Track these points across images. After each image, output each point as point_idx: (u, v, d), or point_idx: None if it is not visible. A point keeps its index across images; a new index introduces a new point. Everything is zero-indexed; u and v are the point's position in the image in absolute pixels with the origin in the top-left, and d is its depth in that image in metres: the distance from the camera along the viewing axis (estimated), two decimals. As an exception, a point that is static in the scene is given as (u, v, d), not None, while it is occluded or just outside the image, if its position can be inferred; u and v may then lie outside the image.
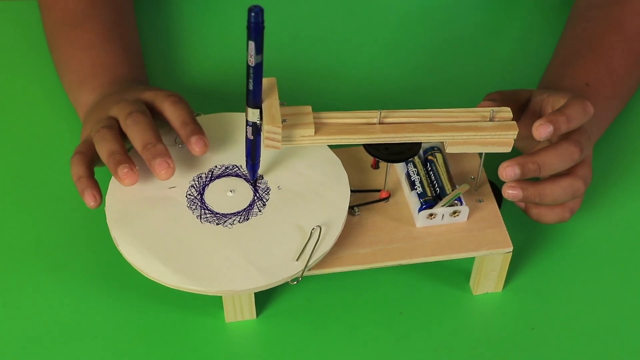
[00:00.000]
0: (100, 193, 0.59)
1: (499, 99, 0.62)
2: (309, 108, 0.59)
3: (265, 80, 0.57)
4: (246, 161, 0.60)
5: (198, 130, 0.60)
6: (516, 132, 0.58)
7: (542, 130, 0.57)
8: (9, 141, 0.72)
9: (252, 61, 0.53)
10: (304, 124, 0.57)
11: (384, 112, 0.58)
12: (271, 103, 0.57)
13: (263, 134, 0.57)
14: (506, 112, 0.59)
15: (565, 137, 0.59)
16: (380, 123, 0.58)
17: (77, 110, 0.70)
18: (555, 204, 0.61)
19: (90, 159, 0.61)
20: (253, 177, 0.60)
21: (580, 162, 0.60)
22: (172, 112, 0.61)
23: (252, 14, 0.51)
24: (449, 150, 0.59)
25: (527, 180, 0.59)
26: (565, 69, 0.69)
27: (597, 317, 0.62)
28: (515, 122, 0.58)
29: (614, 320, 0.62)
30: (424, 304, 0.63)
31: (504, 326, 0.62)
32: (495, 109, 0.58)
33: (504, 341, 0.61)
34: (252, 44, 0.53)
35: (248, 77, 0.55)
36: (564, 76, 0.69)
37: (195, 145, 0.59)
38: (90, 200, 0.59)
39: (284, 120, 0.57)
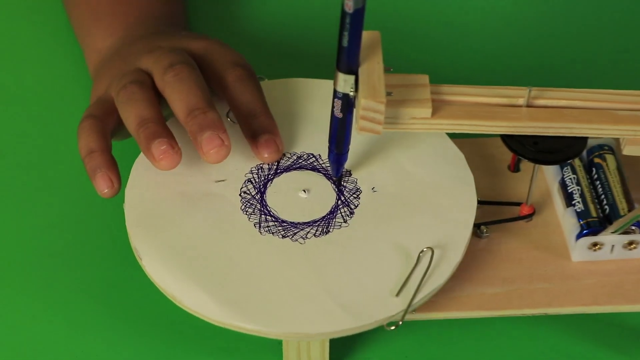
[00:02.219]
0: (118, 176, 0.56)
1: None
2: (425, 78, 0.56)
3: (365, 35, 0.54)
4: (329, 149, 0.57)
5: (270, 125, 0.57)
6: None
7: None
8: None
9: (350, 6, 0.51)
10: (418, 100, 0.54)
11: (534, 91, 0.54)
12: (372, 68, 0.54)
13: (357, 112, 0.53)
14: None
15: None
16: (528, 106, 0.54)
17: (87, 58, 0.68)
18: None
19: (107, 127, 0.58)
20: (337, 172, 0.57)
21: None
22: (235, 91, 0.58)
23: None
24: (627, 151, 0.55)
25: None
26: None
27: None
28: None
29: None
30: None
31: None
32: None
33: None
34: None
35: (342, 29, 0.52)
36: None
37: (264, 149, 0.57)
38: (103, 186, 0.55)
39: (389, 94, 0.54)
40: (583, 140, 0.55)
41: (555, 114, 0.54)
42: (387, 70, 0.55)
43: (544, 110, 0.54)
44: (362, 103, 0.53)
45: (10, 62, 0.79)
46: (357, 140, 0.60)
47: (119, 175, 0.56)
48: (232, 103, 0.61)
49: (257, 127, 0.59)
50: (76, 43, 0.73)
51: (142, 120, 0.56)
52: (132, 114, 0.56)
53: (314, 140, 0.62)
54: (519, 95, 0.55)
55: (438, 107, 0.54)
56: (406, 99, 0.54)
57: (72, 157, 0.70)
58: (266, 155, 0.58)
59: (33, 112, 0.75)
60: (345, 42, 0.52)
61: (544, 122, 0.54)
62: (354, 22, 0.51)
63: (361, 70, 0.54)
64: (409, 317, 0.54)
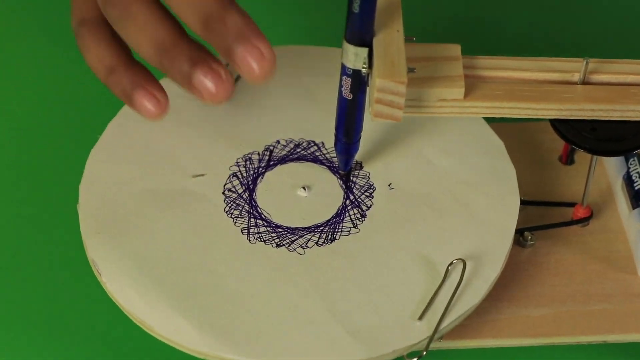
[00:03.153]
0: (163, 90, 0.52)
1: None
2: (457, 48, 0.53)
3: None
4: (336, 137, 0.55)
5: (242, 21, 0.51)
6: None
7: None
8: None
9: None
10: (448, 77, 0.52)
11: (593, 63, 0.52)
12: (390, 38, 0.52)
13: (371, 94, 0.50)
14: None
15: None
16: (585, 83, 0.52)
17: None
18: None
19: (112, 30, 0.54)
20: (346, 165, 0.56)
21: None
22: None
23: None
24: None
25: None
26: None
27: None
28: None
29: None
30: None
31: None
32: None
33: None
34: None
35: None
36: None
37: (244, 60, 0.50)
38: (150, 104, 0.51)
39: (411, 70, 0.51)
40: None
41: (619, 93, 0.52)
42: (408, 40, 0.52)
43: (606, 88, 0.52)
44: (378, 83, 0.50)
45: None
46: (370, 126, 0.57)
47: (163, 89, 0.53)
48: (180, 9, 0.54)
49: (225, 31, 0.52)
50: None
51: (109, 68, 0.53)
52: (92, 60, 0.53)
53: (316, 124, 0.59)
54: (573, 69, 0.52)
55: (472, 86, 0.52)
56: (433, 77, 0.52)
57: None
58: (254, 66, 0.51)
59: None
60: (356, 7, 0.50)
61: (605, 103, 0.52)
62: None
63: (376, 42, 0.52)
64: (434, 345, 0.52)
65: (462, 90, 0.51)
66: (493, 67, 0.53)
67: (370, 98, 0.52)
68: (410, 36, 0.52)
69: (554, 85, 0.53)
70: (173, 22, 0.53)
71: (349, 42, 0.51)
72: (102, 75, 0.54)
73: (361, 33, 0.51)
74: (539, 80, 0.53)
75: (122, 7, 0.54)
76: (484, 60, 0.53)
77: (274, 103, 0.60)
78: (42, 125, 0.73)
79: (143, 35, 0.53)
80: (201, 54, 0.51)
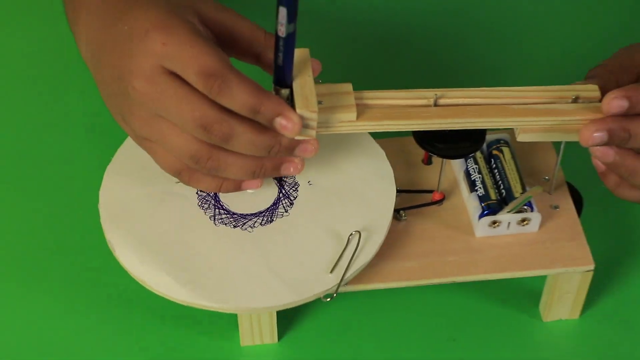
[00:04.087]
0: (295, 113, 0.57)
1: (602, 73, 0.61)
2: (349, 86, 0.60)
3: (296, 52, 0.57)
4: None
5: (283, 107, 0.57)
6: None
7: (614, 105, 0.58)
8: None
9: (282, 31, 0.54)
10: (344, 106, 0.58)
11: (440, 92, 0.59)
12: (304, 81, 0.58)
13: None
14: (592, 91, 0.59)
15: None
16: (436, 105, 0.59)
17: (78, 43, 0.66)
18: None
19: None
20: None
21: None
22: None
23: None
24: (520, 138, 0.60)
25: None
26: None
27: None
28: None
29: None
30: (482, 331, 0.66)
31: (579, 355, 0.65)
32: (580, 87, 0.59)
33: None
34: (283, 11, 0.54)
35: (277, 51, 0.55)
36: None
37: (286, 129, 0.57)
38: (299, 164, 0.59)
39: (320, 102, 0.58)
40: (482, 136, 0.61)
41: (459, 111, 0.59)
42: (316, 81, 0.59)
43: (450, 108, 0.59)
44: (298, 113, 0.57)
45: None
46: None
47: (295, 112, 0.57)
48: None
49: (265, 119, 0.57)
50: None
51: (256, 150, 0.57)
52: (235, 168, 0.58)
53: None
54: (427, 96, 0.59)
55: (361, 111, 0.59)
56: (335, 106, 0.59)
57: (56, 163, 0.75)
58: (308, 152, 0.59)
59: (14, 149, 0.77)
60: (280, 61, 0.56)
61: (450, 118, 0.59)
62: (287, 45, 0.55)
63: (295, 84, 0.58)
64: (341, 289, 0.60)
65: (355, 114, 0.58)
66: (375, 97, 0.60)
67: None
68: (318, 79, 0.59)
69: (416, 108, 0.59)
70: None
71: (277, 85, 0.58)
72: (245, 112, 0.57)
73: (284, 78, 0.57)
74: (407, 105, 0.60)
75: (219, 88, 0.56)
76: (368, 93, 0.60)
77: None
78: (77, 144, 0.77)
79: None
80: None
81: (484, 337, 0.65)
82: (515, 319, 0.66)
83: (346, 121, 0.59)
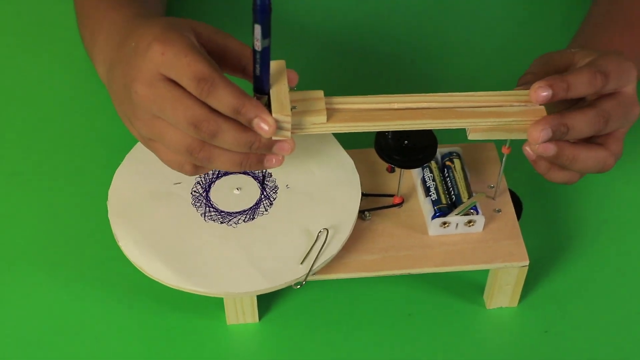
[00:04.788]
0: (270, 116, 0.58)
1: (533, 80, 0.63)
2: (320, 93, 0.61)
3: (273, 64, 0.59)
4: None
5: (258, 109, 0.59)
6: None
7: (539, 93, 0.60)
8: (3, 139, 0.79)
9: (258, 46, 0.56)
10: (315, 110, 0.60)
11: (400, 97, 0.61)
12: (279, 89, 0.60)
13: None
14: (526, 96, 0.61)
15: (594, 105, 0.62)
16: (397, 109, 0.61)
17: (96, 66, 0.69)
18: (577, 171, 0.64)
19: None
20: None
21: (616, 138, 0.64)
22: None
23: None
24: (470, 137, 0.62)
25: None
26: (600, 37, 0.74)
27: (622, 336, 0.67)
28: (543, 107, 0.62)
29: (632, 328, 0.67)
30: (433, 316, 0.68)
31: (517, 342, 0.67)
32: (517, 92, 0.62)
33: (515, 349, 0.67)
34: (258, 28, 0.55)
35: (254, 63, 0.57)
36: (598, 43, 0.72)
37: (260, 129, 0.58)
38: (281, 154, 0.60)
39: (293, 107, 0.60)
40: (434, 151, 0.64)
41: (416, 114, 0.61)
42: (291, 89, 0.61)
43: (408, 112, 0.61)
44: (274, 117, 0.58)
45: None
46: None
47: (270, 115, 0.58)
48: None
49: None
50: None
51: (237, 144, 0.58)
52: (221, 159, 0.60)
53: None
54: (389, 101, 0.61)
55: (331, 114, 0.61)
56: (307, 110, 0.60)
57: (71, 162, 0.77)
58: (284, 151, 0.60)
59: (31, 148, 0.79)
60: (257, 72, 0.58)
61: (408, 120, 0.61)
62: (263, 57, 0.57)
63: (272, 91, 0.60)
64: (310, 278, 0.62)
65: (325, 117, 0.60)
66: (343, 102, 0.61)
67: None
68: (292, 86, 0.61)
69: (379, 111, 0.61)
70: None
71: (256, 93, 0.59)
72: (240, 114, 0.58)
73: (262, 87, 0.59)
74: (370, 109, 0.61)
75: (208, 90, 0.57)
76: (337, 99, 0.61)
77: None
78: (89, 149, 0.79)
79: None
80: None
81: (435, 321, 0.67)
82: (463, 307, 0.69)
83: (317, 123, 0.60)
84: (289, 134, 0.59)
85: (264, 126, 0.58)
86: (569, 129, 0.61)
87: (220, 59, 0.62)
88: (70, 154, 0.78)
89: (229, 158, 0.60)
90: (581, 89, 0.61)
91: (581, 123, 0.61)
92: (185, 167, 0.62)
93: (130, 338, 0.67)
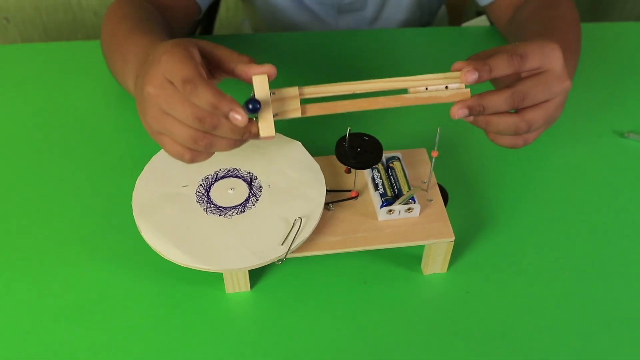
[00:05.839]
0: (243, 110, 0.60)
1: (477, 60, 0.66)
2: (295, 90, 0.64)
3: (257, 79, 0.61)
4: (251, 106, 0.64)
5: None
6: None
7: (468, 76, 0.64)
8: (52, 143, 0.86)
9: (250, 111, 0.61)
10: (292, 110, 0.64)
11: (361, 84, 0.64)
12: (266, 111, 0.62)
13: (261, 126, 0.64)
14: (457, 77, 0.66)
15: (513, 85, 0.66)
16: (358, 96, 0.64)
17: (129, 88, 0.74)
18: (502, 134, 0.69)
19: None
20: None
21: (533, 107, 0.67)
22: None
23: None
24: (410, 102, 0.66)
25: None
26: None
27: (528, 296, 0.74)
28: (468, 89, 0.66)
29: (535, 288, 0.73)
30: (383, 282, 0.74)
31: (447, 300, 0.75)
32: (453, 74, 0.65)
33: (445, 305, 0.73)
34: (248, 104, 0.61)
35: (249, 110, 0.62)
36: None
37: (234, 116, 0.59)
38: (240, 122, 0.60)
39: (274, 115, 0.63)
40: (380, 155, 0.71)
41: (371, 101, 0.66)
42: (272, 93, 0.64)
43: (366, 99, 0.65)
44: (261, 137, 0.64)
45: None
46: (259, 159, 0.73)
47: (242, 109, 0.60)
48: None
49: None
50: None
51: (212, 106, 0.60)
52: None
53: (236, 160, 0.73)
54: (355, 89, 0.65)
55: (304, 109, 0.65)
56: (285, 110, 0.63)
57: (101, 165, 0.83)
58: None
59: (76, 154, 0.84)
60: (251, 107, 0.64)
61: (366, 105, 0.65)
62: (254, 111, 0.63)
63: (260, 113, 0.63)
64: (289, 256, 0.69)
65: (300, 114, 0.64)
66: (314, 92, 0.64)
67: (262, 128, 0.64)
68: (273, 91, 0.64)
69: (343, 101, 0.64)
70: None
71: (251, 112, 0.62)
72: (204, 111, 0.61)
73: (255, 112, 0.63)
74: (338, 94, 0.65)
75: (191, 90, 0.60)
76: (308, 89, 0.64)
77: (217, 154, 0.71)
78: (117, 158, 0.85)
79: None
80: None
81: (385, 285, 0.73)
82: (405, 274, 0.76)
83: (294, 116, 0.65)
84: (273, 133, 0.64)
85: (237, 117, 0.61)
86: (485, 107, 0.65)
87: (217, 66, 0.67)
88: (104, 166, 0.84)
89: (226, 142, 0.64)
90: (502, 69, 0.65)
91: (497, 102, 0.65)
92: (185, 156, 0.66)
93: (151, 304, 0.72)
